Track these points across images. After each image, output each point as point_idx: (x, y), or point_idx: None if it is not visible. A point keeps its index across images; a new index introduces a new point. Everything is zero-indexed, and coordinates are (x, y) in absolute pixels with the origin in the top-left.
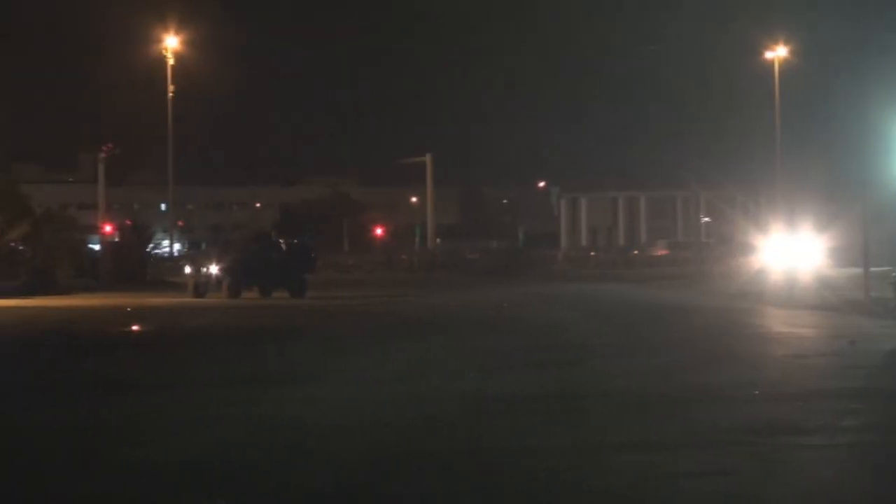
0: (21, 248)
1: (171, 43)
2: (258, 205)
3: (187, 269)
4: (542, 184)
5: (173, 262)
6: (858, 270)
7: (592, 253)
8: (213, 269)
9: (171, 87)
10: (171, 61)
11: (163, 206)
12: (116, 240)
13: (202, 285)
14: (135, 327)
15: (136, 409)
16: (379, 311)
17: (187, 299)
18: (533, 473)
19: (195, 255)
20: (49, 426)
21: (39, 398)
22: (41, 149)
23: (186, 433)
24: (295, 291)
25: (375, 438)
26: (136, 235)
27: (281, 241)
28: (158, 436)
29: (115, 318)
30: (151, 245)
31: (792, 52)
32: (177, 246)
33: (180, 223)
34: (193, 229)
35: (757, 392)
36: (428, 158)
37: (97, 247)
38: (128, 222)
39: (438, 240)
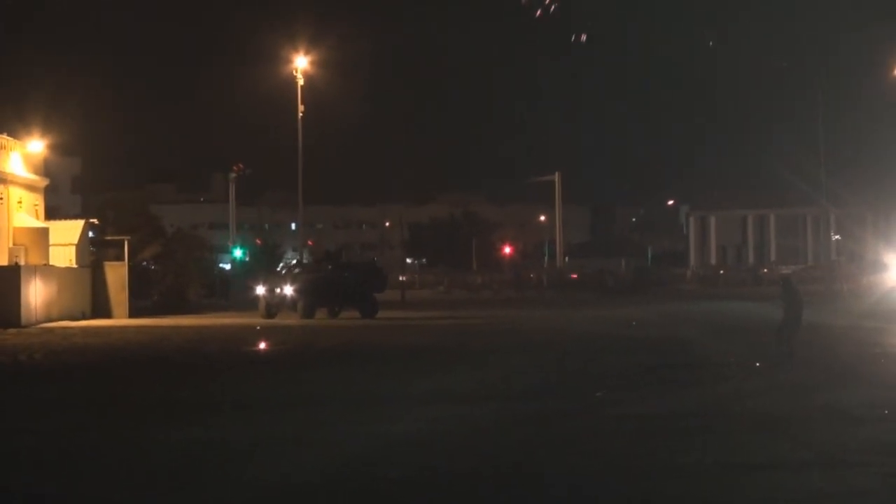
0: (153, 267)
1: (301, 63)
2: (387, 223)
3: (259, 291)
4: (671, 202)
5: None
6: None
7: (721, 271)
8: (287, 289)
9: (301, 107)
10: (301, 81)
11: (292, 226)
12: (246, 259)
13: (274, 306)
14: (262, 345)
15: (261, 428)
16: (500, 330)
17: (259, 320)
18: (661, 492)
19: (267, 276)
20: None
21: (164, 416)
22: (174, 169)
23: (309, 452)
24: (365, 311)
25: (503, 459)
26: (266, 255)
27: (352, 262)
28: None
29: (244, 337)
30: (282, 264)
31: None
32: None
33: (310, 242)
34: (323, 248)
35: (887, 412)
36: (557, 176)
37: (228, 266)
38: (258, 242)
39: (567, 258)
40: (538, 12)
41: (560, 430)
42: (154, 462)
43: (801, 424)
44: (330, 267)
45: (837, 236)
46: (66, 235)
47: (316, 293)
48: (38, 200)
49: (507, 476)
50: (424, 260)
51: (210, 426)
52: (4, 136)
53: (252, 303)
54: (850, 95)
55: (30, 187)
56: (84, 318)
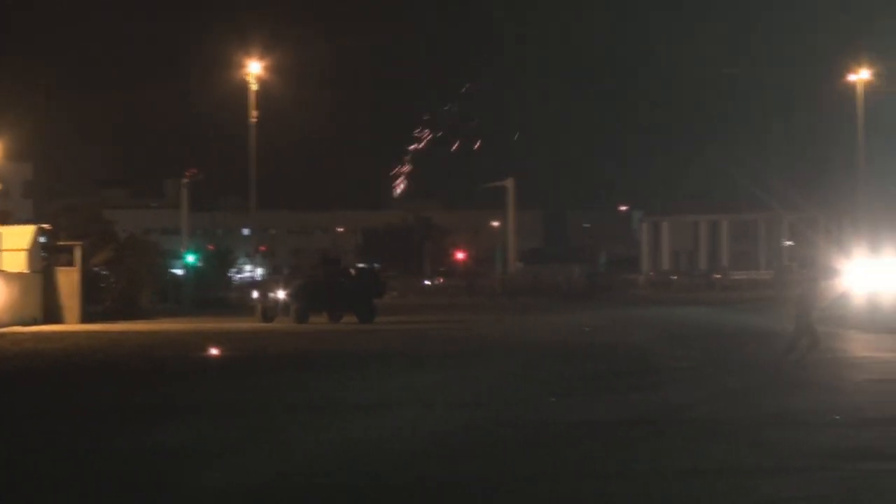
0: (105, 272)
1: (255, 68)
2: (341, 229)
3: (255, 295)
4: (624, 207)
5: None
6: None
7: (674, 277)
8: (280, 294)
9: (254, 113)
10: (254, 87)
11: (245, 231)
12: (199, 265)
13: (270, 310)
14: (214, 351)
15: (213, 433)
16: (458, 336)
17: (256, 324)
18: (614, 499)
19: (263, 280)
20: (129, 450)
21: (119, 421)
22: (127, 174)
23: (261, 457)
24: (363, 317)
25: (455, 465)
26: (219, 260)
27: (350, 266)
28: (235, 459)
29: (195, 343)
30: (234, 269)
31: (876, 75)
32: (259, 270)
33: (263, 248)
34: (276, 254)
35: (838, 417)
36: (510, 182)
37: (180, 272)
38: (210, 247)
39: (520, 264)
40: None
41: (512, 437)
42: (104, 469)
43: (754, 430)
44: (325, 272)
45: (790, 241)
46: (18, 240)
47: (309, 298)
48: None
49: (452, 484)
50: (378, 265)
51: (161, 432)
52: None
53: (211, 307)
54: (802, 100)
55: None
56: (35, 323)
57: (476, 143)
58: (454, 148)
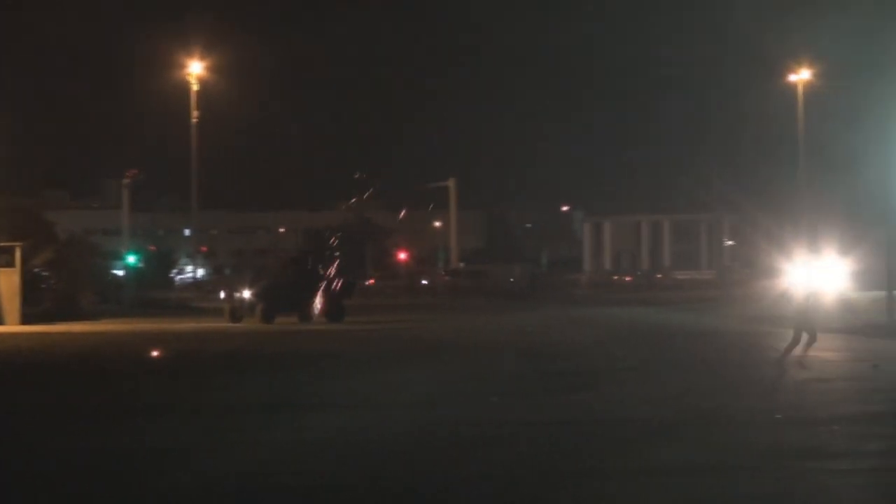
0: (45, 273)
1: (196, 69)
2: (282, 230)
3: (222, 295)
4: (565, 208)
5: (197, 286)
6: (882, 293)
7: (615, 277)
8: (246, 293)
9: (195, 113)
10: (195, 87)
11: (186, 232)
12: (140, 265)
13: (237, 310)
14: (155, 352)
15: (157, 434)
16: (405, 337)
17: (222, 324)
18: (564, 497)
19: (230, 279)
20: (76, 452)
21: (64, 423)
22: (67, 175)
23: (208, 458)
24: (332, 317)
25: (400, 465)
26: (160, 261)
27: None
28: (181, 461)
29: (138, 344)
30: (175, 270)
31: (816, 75)
32: (200, 271)
33: (203, 248)
34: (217, 254)
35: (779, 416)
36: (451, 183)
37: (121, 272)
38: (151, 248)
39: (462, 264)
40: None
41: (452, 438)
42: (45, 471)
43: (697, 429)
44: (292, 271)
45: (731, 242)
46: None
47: (275, 298)
48: None
49: (387, 487)
50: (320, 266)
51: (97, 434)
52: None
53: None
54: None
55: None
56: None
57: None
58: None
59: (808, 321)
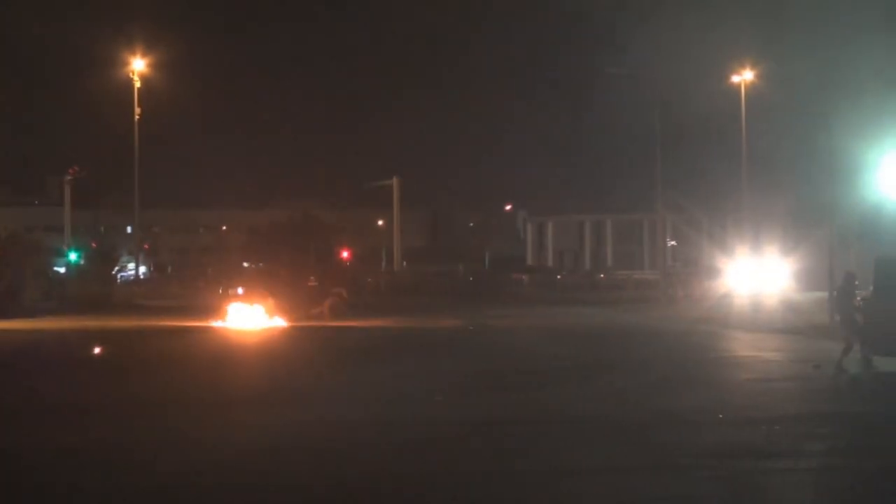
0: None
1: (138, 65)
2: (225, 228)
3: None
4: (508, 207)
5: (139, 284)
6: (823, 294)
7: (559, 276)
8: (240, 290)
9: (137, 110)
10: (137, 84)
11: (129, 229)
12: (81, 263)
13: None
14: (97, 350)
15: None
16: (350, 336)
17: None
18: (501, 497)
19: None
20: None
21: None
22: (7, 171)
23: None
24: (321, 314)
25: (345, 462)
26: (102, 258)
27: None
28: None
29: (81, 342)
30: (117, 268)
31: (759, 76)
32: (142, 269)
33: (146, 246)
34: (159, 252)
35: (721, 416)
36: (395, 181)
37: (63, 269)
38: (93, 245)
39: (405, 263)
40: None
41: (396, 437)
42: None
43: (638, 429)
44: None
45: (673, 242)
46: None
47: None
48: None
49: (328, 488)
50: (262, 264)
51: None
52: None
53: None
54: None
55: None
56: None
57: None
58: None
59: (855, 327)
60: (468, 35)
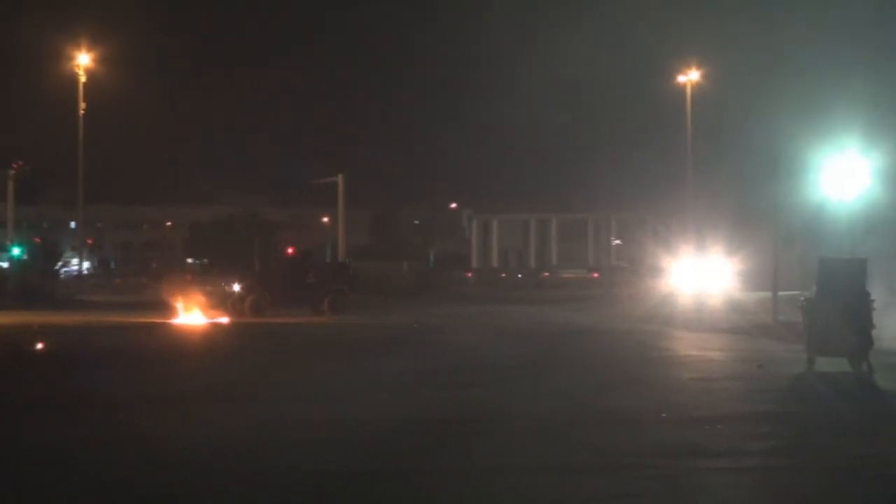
0: None
1: (84, 60)
2: (169, 224)
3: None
4: (453, 205)
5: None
6: (767, 294)
7: (503, 275)
8: (236, 286)
9: (82, 105)
10: (83, 78)
11: (72, 225)
12: (24, 258)
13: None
14: (39, 346)
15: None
16: (292, 334)
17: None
18: (445, 495)
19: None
20: None
21: None
22: None
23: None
24: (319, 311)
25: (284, 459)
26: (45, 253)
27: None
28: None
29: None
30: (60, 263)
31: (704, 76)
32: (86, 264)
33: (89, 241)
34: (103, 247)
35: (664, 415)
36: (340, 179)
37: (6, 265)
38: (36, 240)
39: (349, 260)
40: None
41: (340, 435)
42: None
43: (582, 427)
44: (285, 264)
45: (618, 241)
46: None
47: (265, 290)
48: None
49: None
50: (206, 260)
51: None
52: None
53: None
54: (634, 100)
55: None
56: None
57: None
58: None
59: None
60: (412, 32)
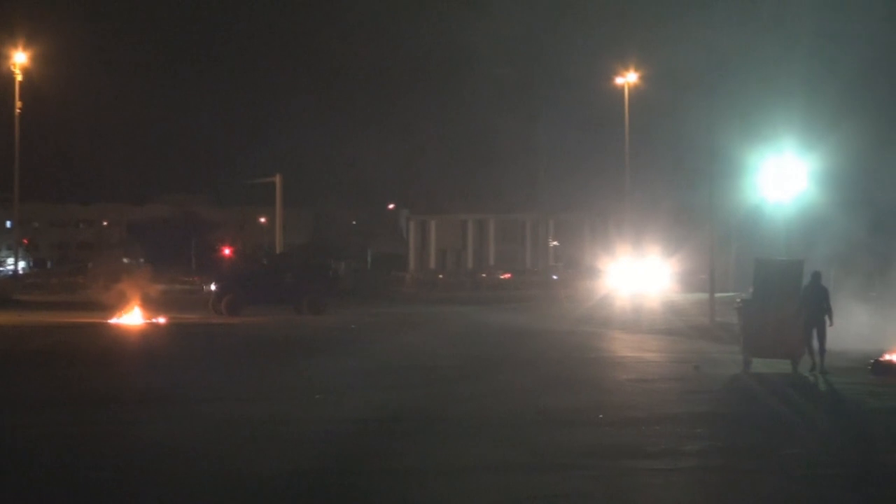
0: None
1: (20, 59)
2: (105, 223)
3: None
4: (391, 206)
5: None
6: (704, 295)
7: (440, 275)
8: (213, 286)
9: (18, 104)
10: (18, 77)
11: (8, 224)
12: None
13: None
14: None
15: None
16: (221, 334)
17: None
18: (380, 495)
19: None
20: None
21: None
22: None
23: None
24: (300, 310)
25: (233, 461)
26: None
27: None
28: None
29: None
30: None
31: (642, 78)
32: (21, 263)
33: (25, 241)
34: (39, 247)
35: (601, 416)
36: (277, 179)
37: None
38: None
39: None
40: None
41: (275, 434)
42: None
43: (517, 428)
44: (265, 264)
45: (555, 242)
46: None
47: (242, 290)
48: None
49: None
50: (143, 260)
51: None
52: None
53: None
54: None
55: None
56: None
57: None
58: None
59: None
60: (351, 34)
